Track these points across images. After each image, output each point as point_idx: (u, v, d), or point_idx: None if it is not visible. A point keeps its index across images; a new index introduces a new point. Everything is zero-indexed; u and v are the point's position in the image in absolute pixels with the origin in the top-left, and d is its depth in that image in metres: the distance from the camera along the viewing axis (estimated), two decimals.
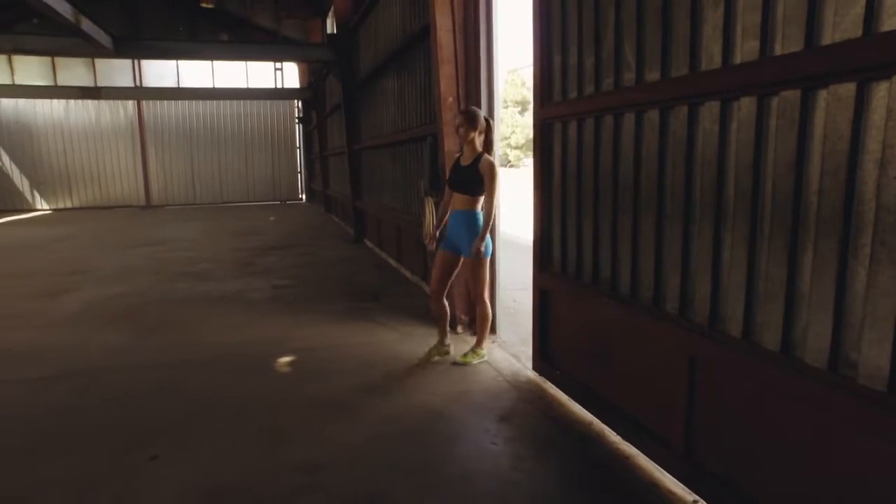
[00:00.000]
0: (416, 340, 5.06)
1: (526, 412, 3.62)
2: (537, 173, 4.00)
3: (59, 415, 3.71)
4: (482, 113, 4.21)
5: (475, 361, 4.45)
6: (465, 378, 4.21)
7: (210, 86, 21.43)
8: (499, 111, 5.07)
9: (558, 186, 3.77)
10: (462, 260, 4.27)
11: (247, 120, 22.56)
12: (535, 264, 4.12)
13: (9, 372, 4.53)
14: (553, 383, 4.00)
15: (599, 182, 3.31)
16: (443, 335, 4.57)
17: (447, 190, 4.39)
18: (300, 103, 22.68)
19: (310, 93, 17.46)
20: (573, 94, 3.50)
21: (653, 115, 2.81)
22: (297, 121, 22.86)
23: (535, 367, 4.26)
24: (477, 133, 4.14)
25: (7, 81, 20.02)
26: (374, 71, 9.23)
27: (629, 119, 2.99)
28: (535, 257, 4.10)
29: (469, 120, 4.10)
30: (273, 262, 9.32)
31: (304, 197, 23.34)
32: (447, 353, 4.56)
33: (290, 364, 4.53)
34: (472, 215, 4.19)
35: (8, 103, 20.35)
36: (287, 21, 18.91)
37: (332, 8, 13.67)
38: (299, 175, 23.40)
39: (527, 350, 4.56)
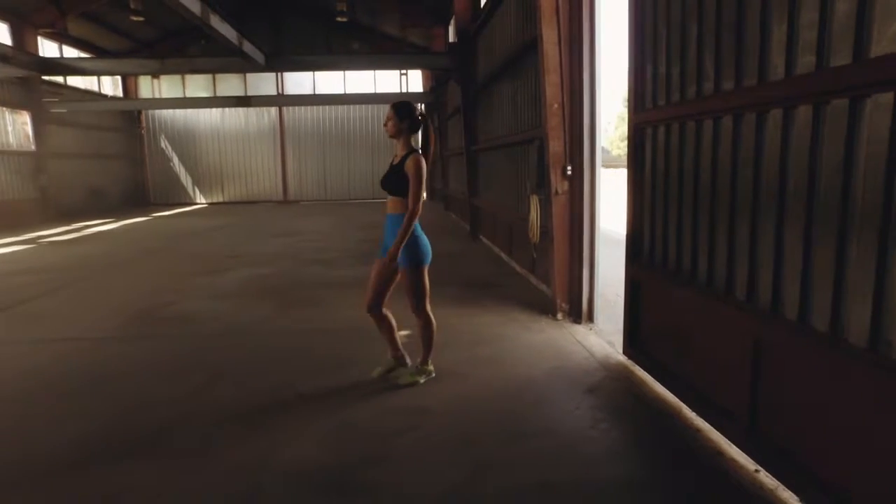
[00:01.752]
0: (520, 323, 5.59)
1: (610, 388, 4.03)
2: (630, 173, 4.37)
3: (225, 362, 4.67)
4: (419, 108, 3.97)
5: (422, 380, 4.10)
6: (560, 356, 4.67)
7: (342, 92, 23.23)
8: (601, 118, 5.45)
9: (648, 185, 4.12)
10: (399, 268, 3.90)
11: (374, 122, 24.16)
12: (627, 257, 4.49)
13: (190, 330, 5.66)
14: (640, 366, 4.35)
15: (683, 181, 3.64)
16: (392, 349, 4.26)
17: None
18: (423, 107, 23.91)
19: (432, 97, 18.48)
20: (662, 102, 3.85)
21: (727, 122, 3.13)
22: None
23: (624, 352, 4.62)
24: (406, 128, 3.80)
25: (180, 95, 23.10)
26: (490, 77, 9.83)
27: (708, 125, 3.32)
28: (628, 250, 4.46)
29: (396, 113, 3.80)
30: None
31: (426, 195, 24.52)
32: (392, 368, 4.25)
33: (408, 336, 5.24)
34: (401, 219, 3.76)
35: (179, 113, 23.46)
36: (412, 29, 20.08)
37: (454, 17, 14.52)
38: None
39: (619, 338, 4.91)
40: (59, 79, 18.82)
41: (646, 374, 4.25)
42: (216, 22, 9.28)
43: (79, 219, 18.08)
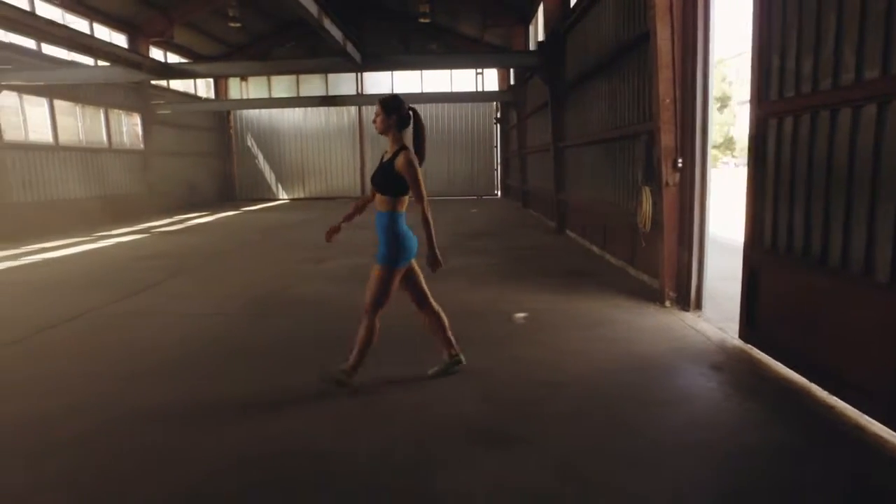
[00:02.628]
0: (627, 309, 5.82)
1: (734, 367, 4.22)
2: (751, 164, 4.53)
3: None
4: (406, 103, 3.73)
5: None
6: (676, 338, 4.88)
7: (419, 91, 23.81)
8: (712, 113, 5.61)
9: (772, 174, 4.27)
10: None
11: (449, 121, 24.67)
12: (746, 245, 4.65)
13: (313, 309, 6.20)
14: (759, 349, 4.50)
15: (813, 169, 3.80)
16: (446, 347, 4.15)
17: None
18: (498, 105, 24.22)
19: (511, 95, 18.74)
20: (790, 93, 4.01)
21: (870, 110, 3.28)
22: (495, 121, 24.43)
23: (741, 336, 4.77)
24: (395, 124, 3.63)
25: (266, 95, 24.37)
26: (582, 75, 10.02)
27: (845, 114, 3.47)
28: (747, 239, 4.62)
29: (384, 109, 3.65)
30: (485, 245, 10.61)
31: (499, 192, 24.83)
32: (447, 367, 4.13)
33: (526, 318, 5.58)
34: (388, 217, 3.65)
35: (264, 113, 24.73)
36: (492, 29, 20.39)
37: (542, 17, 14.72)
38: (495, 172, 24.94)
39: (729, 325, 5.08)
40: (163, 83, 20.26)
41: (765, 356, 4.40)
42: (328, 24, 10.02)
43: (178, 212, 19.43)
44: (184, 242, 12.18)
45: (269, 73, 16.84)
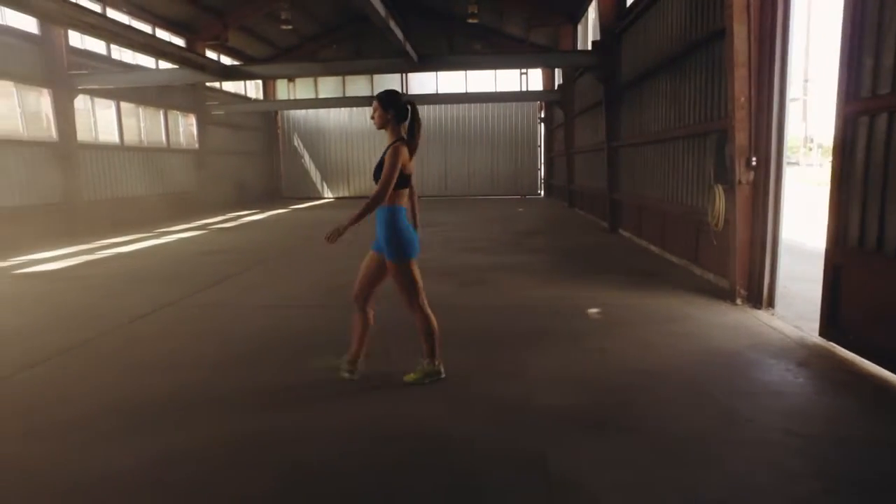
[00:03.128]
0: (697, 306, 5.87)
1: (819, 363, 4.25)
2: (836, 161, 4.54)
3: (411, 331, 5.31)
4: (405, 97, 3.77)
5: (427, 381, 3.92)
6: (753, 335, 4.92)
7: (463, 90, 24.00)
8: (789, 112, 5.63)
9: (861, 171, 4.29)
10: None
11: (493, 121, 24.80)
12: (828, 243, 4.66)
13: (386, 302, 6.40)
14: (842, 346, 4.52)
15: None
16: (356, 346, 4.02)
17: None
18: (542, 104, 24.24)
19: (558, 95, 18.77)
20: (885, 90, 4.03)
21: None
22: (539, 121, 24.45)
23: (821, 334, 4.78)
24: (392, 118, 3.67)
25: (312, 96, 24.90)
26: (639, 74, 10.04)
27: None
28: (830, 237, 4.63)
29: (381, 104, 3.70)
30: (538, 243, 10.71)
31: (542, 192, 24.84)
32: (349, 371, 4.02)
33: (599, 313, 5.68)
34: (388, 212, 3.69)
35: (310, 113, 25.27)
36: (539, 29, 20.43)
37: (593, 17, 14.74)
38: (539, 171, 24.97)
39: (804, 323, 5.10)
40: (217, 84, 20.91)
41: (849, 352, 4.41)
42: (392, 25, 10.33)
43: (229, 209, 20.02)
44: (244, 238, 12.59)
45: (326, 73, 17.32)
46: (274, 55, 23.72)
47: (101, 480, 2.82)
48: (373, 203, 3.58)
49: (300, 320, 5.78)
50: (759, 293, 5.81)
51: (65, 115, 13.13)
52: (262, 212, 19.54)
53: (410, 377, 3.96)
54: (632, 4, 10.78)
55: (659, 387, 3.83)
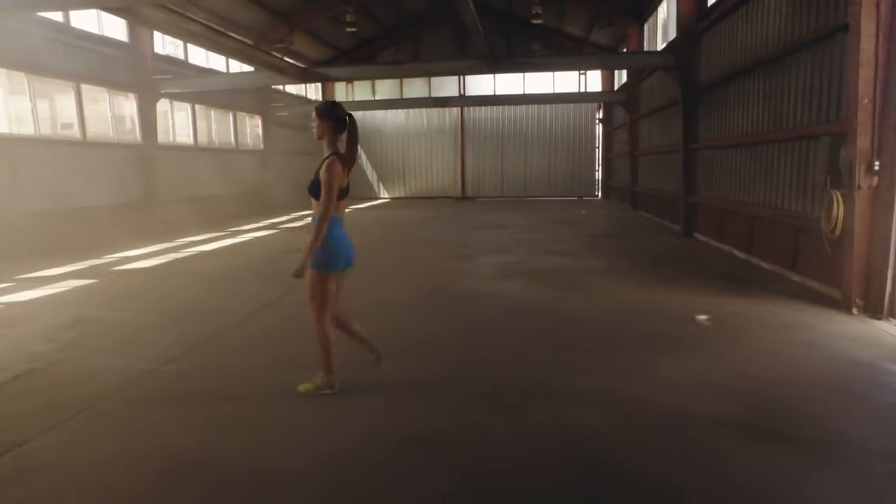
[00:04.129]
0: (810, 314, 5.73)
1: None
2: None
3: (533, 335, 5.32)
4: (342, 109, 3.75)
5: (319, 392, 3.92)
6: (880, 345, 4.74)
7: (521, 92, 23.91)
8: None
9: None
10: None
11: (550, 121, 24.63)
12: None
13: (494, 304, 6.45)
14: None
15: None
16: (364, 346, 4.13)
17: None
18: (601, 105, 23.95)
19: (623, 95, 18.50)
20: None
21: None
22: (597, 122, 24.17)
23: None
24: (329, 129, 3.68)
25: (369, 97, 25.25)
26: (725, 75, 9.81)
27: None
28: None
29: (319, 115, 3.70)
30: (614, 246, 10.61)
31: (599, 193, 24.54)
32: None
33: (709, 320, 5.59)
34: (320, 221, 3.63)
35: (367, 114, 25.59)
36: (604, 29, 20.19)
37: (662, 16, 14.49)
38: (596, 173, 24.68)
39: None
40: (280, 86, 21.41)
41: None
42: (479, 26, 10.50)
43: (291, 209, 20.44)
44: None
45: (400, 76, 17.66)
46: (334, 57, 24.12)
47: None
48: (321, 224, 3.57)
49: (415, 323, 5.87)
50: (879, 303, 5.60)
51: (148, 118, 13.67)
52: None
53: (304, 387, 3.96)
54: (714, 4, 10.54)
55: (815, 397, 3.73)
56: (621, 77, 21.62)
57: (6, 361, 4.78)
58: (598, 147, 24.55)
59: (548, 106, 24.41)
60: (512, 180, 25.16)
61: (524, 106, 24.58)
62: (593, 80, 24.21)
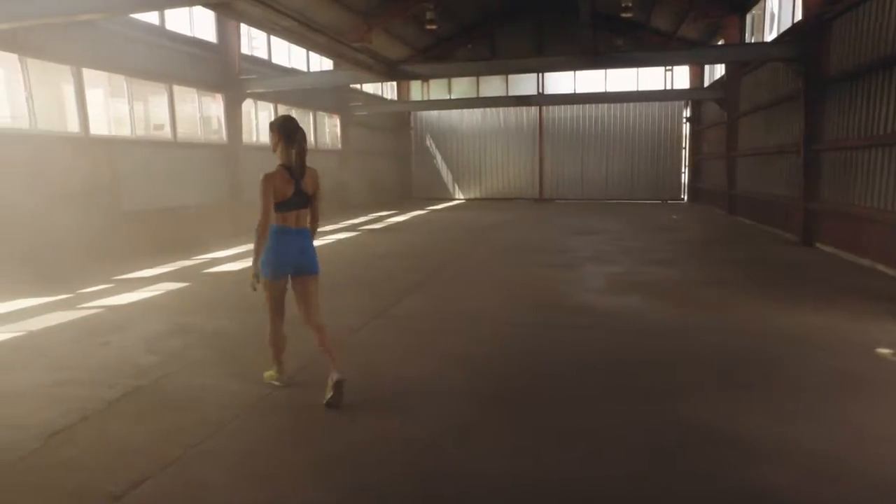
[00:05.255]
0: None
1: None
2: None
3: (680, 366, 4.62)
4: (292, 122, 3.94)
5: (272, 383, 4.29)
6: None
7: (602, 90, 22.89)
8: None
9: None
10: None
11: (633, 121, 23.46)
12: None
13: (615, 323, 5.78)
14: None
15: None
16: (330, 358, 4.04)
17: None
18: (688, 103, 22.59)
19: (719, 91, 17.20)
20: None
21: None
22: (685, 121, 22.83)
23: None
24: (279, 141, 3.88)
25: (445, 96, 24.86)
26: (864, 65, 8.73)
27: None
28: None
29: (271, 127, 3.99)
30: (720, 255, 9.80)
31: (685, 196, 23.18)
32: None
33: (894, 354, 4.72)
34: (270, 230, 3.87)
35: (443, 113, 25.22)
36: (691, 23, 18.98)
37: (772, 5, 13.30)
38: (682, 174, 23.33)
39: None
40: (358, 85, 21.32)
41: None
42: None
43: (367, 209, 20.29)
44: (403, 241, 12.43)
45: (493, 72, 17.20)
46: (410, 56, 23.83)
47: None
48: (257, 236, 3.81)
49: (530, 345, 5.29)
50: None
51: (233, 118, 13.69)
52: (401, 212, 19.58)
53: (267, 374, 4.33)
54: None
55: None
56: (713, 73, 20.31)
57: (114, 375, 4.52)
58: (685, 147, 23.18)
59: (630, 105, 23.27)
60: (592, 182, 24.13)
61: (604, 105, 23.54)
62: (680, 77, 22.90)
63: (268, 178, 3.77)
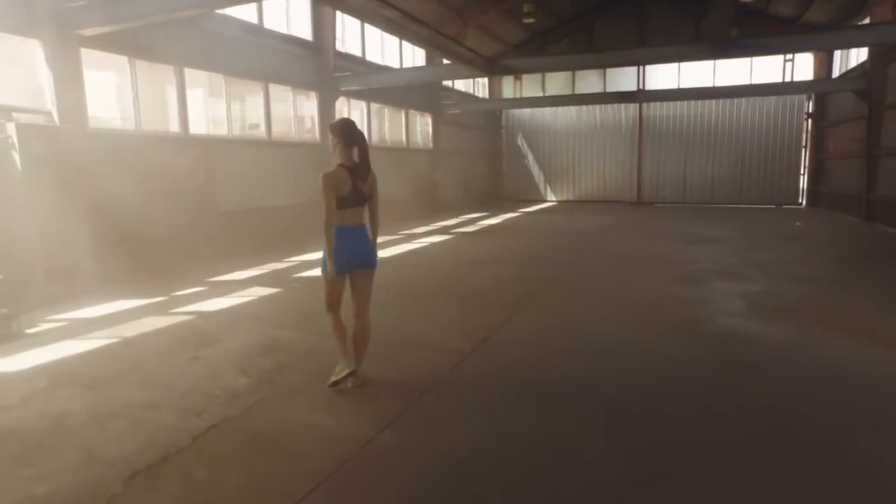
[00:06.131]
0: None
1: None
2: None
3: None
4: (350, 125, 4.10)
5: (341, 384, 4.18)
6: None
7: (710, 84, 21.07)
8: None
9: None
10: None
11: (745, 117, 21.41)
12: None
13: (769, 366, 4.74)
14: None
15: None
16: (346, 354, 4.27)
17: None
18: (811, 96, 20.37)
19: (862, 82, 15.12)
20: None
21: None
22: (805, 116, 20.59)
23: None
24: (338, 144, 4.04)
25: (538, 94, 23.86)
26: None
27: None
28: None
29: (331, 130, 4.11)
30: (889, 273, 8.21)
31: (802, 201, 20.93)
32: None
33: None
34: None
35: (536, 111, 24.20)
36: (824, 4, 17.00)
37: None
38: (801, 177, 21.08)
39: None
40: (450, 83, 20.79)
41: None
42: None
43: (458, 211, 19.67)
44: (500, 246, 11.65)
45: (600, 65, 15.94)
46: (504, 52, 23.03)
47: None
48: (325, 228, 3.92)
49: (677, 390, 4.38)
50: None
51: (327, 116, 13.44)
52: (493, 215, 18.79)
53: (331, 381, 4.20)
54: None
55: None
56: (846, 61, 18.13)
57: (203, 400, 4.07)
58: (806, 147, 20.90)
59: (742, 100, 21.26)
60: (696, 184, 22.27)
61: (711, 101, 21.65)
62: (802, 68, 20.67)
63: (328, 177, 3.90)
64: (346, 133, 4.02)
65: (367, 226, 4.21)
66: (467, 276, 8.46)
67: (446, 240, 12.77)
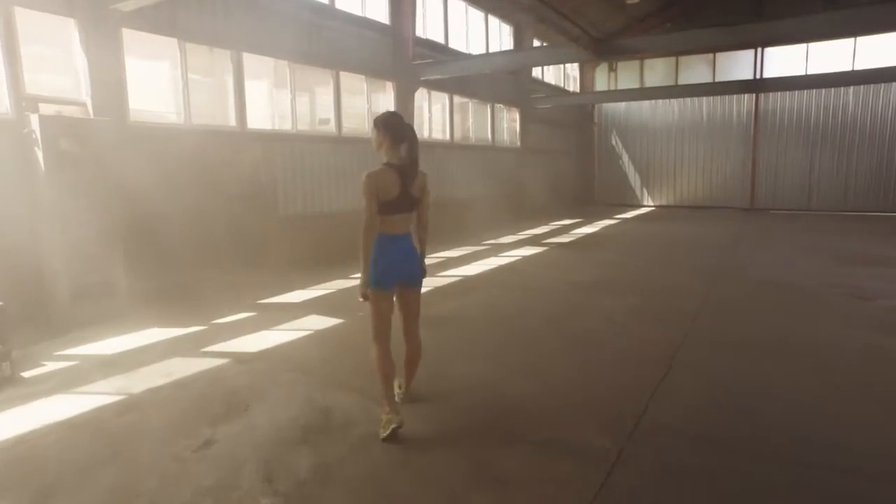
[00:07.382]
0: None
1: None
2: None
3: None
4: (398, 118, 3.57)
5: (387, 432, 3.39)
6: None
7: (849, 69, 17.90)
8: None
9: None
10: None
11: (886, 108, 18.11)
12: None
13: None
14: None
15: None
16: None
17: None
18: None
19: None
20: None
21: None
22: None
23: None
24: (384, 140, 3.53)
25: (636, 86, 21.39)
26: None
27: None
28: None
29: (376, 125, 3.58)
30: None
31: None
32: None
33: None
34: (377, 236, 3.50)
35: (632, 106, 21.73)
36: None
37: None
38: None
39: None
40: (539, 75, 18.83)
41: None
42: None
43: (547, 216, 17.71)
44: (607, 263, 9.63)
45: (734, 43, 13.28)
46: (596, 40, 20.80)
47: None
48: (364, 240, 3.39)
49: None
50: None
51: (405, 109, 11.88)
52: (587, 222, 16.67)
53: (382, 432, 3.43)
54: None
55: None
56: None
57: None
58: None
59: (882, 85, 17.92)
60: (825, 189, 19.04)
61: (845, 89, 18.46)
62: None
63: (370, 177, 3.41)
64: (395, 127, 3.54)
65: (413, 235, 3.68)
66: (577, 309, 6.56)
67: (540, 253, 10.89)
